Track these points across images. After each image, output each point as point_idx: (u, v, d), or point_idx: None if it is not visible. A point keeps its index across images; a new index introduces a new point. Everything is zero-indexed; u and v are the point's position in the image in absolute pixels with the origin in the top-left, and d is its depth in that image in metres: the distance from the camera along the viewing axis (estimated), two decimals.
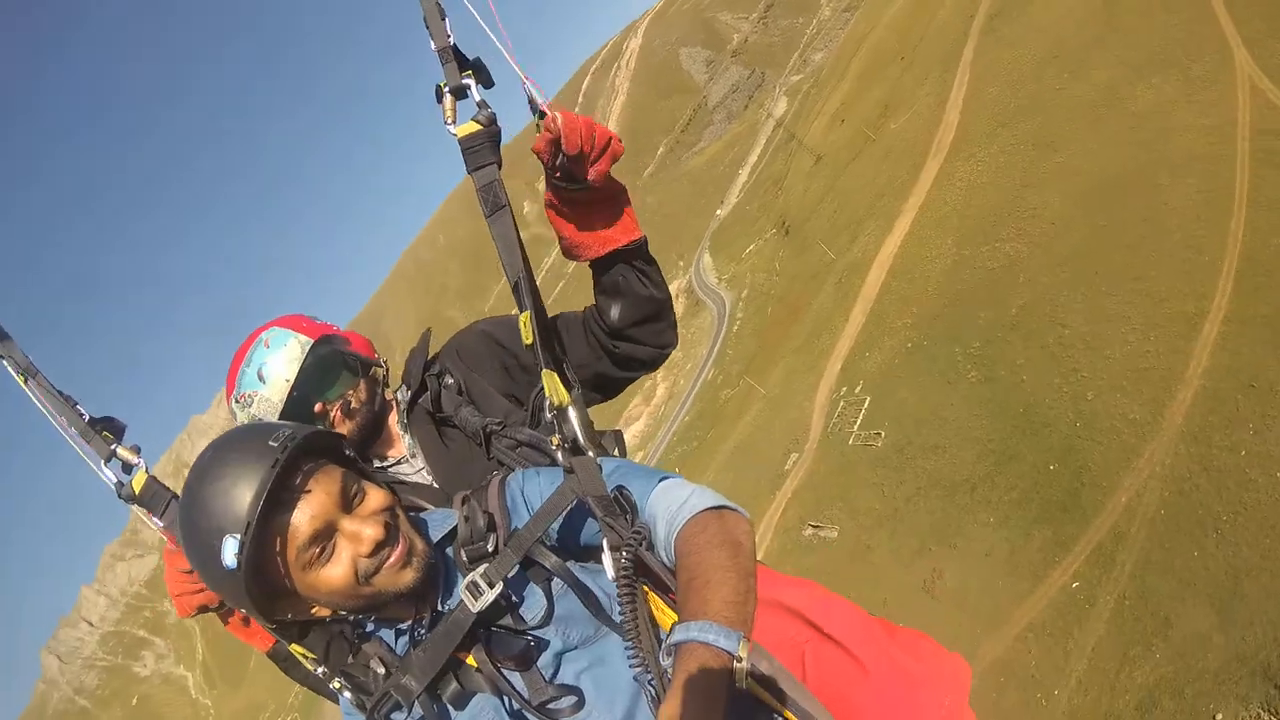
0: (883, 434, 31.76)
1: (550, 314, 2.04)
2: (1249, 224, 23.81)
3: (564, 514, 1.53)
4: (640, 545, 1.42)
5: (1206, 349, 21.93)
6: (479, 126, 1.81)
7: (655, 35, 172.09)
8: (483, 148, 1.81)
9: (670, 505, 1.48)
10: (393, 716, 1.50)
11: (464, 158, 1.82)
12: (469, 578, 1.45)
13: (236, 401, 2.12)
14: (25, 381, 1.86)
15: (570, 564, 1.51)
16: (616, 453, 2.03)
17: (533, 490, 1.60)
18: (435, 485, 2.11)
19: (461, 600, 1.45)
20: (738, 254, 72.58)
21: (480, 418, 2.08)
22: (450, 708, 1.49)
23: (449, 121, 1.80)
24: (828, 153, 63.21)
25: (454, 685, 1.48)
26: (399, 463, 2.18)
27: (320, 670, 1.57)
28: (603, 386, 2.22)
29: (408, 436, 2.19)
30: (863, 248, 45.79)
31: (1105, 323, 25.61)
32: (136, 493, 1.81)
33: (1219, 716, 13.27)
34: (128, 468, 1.82)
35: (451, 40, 1.83)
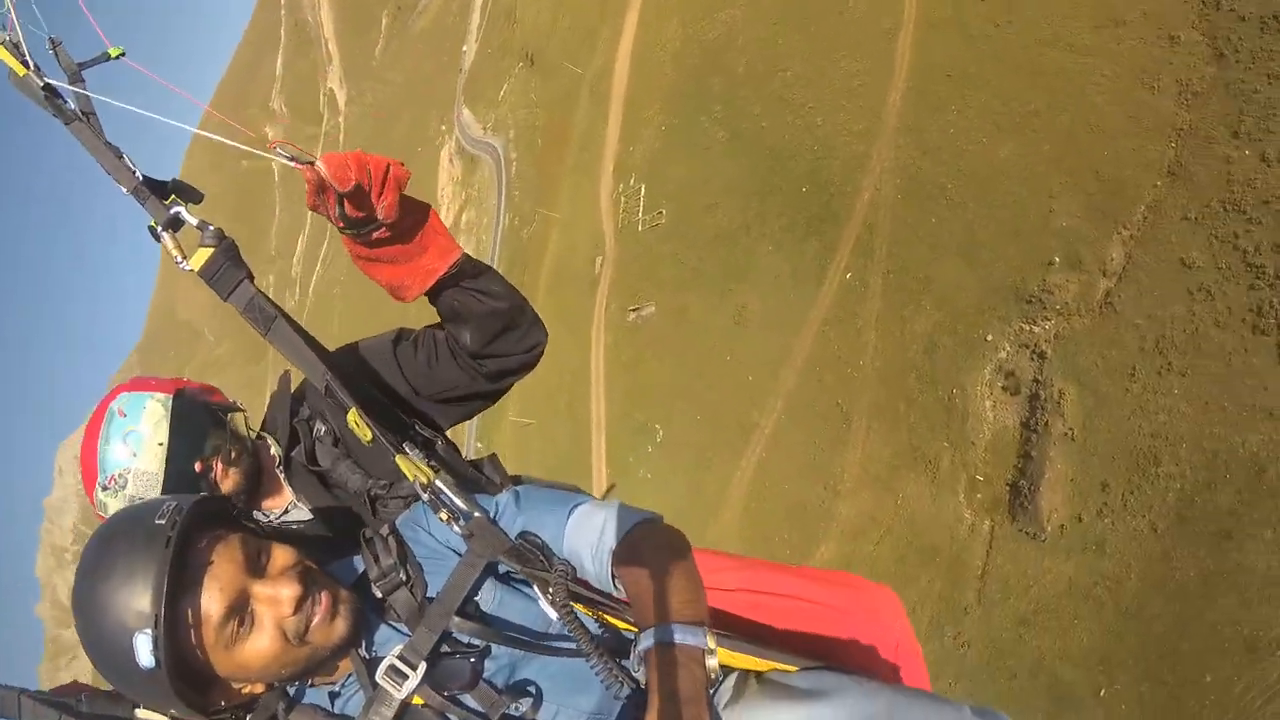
0: (664, 212, 30.49)
1: (408, 332, 1.63)
2: None
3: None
4: (569, 580, 1.21)
5: (905, 55, 21.23)
6: (211, 249, 1.35)
7: None
8: (225, 270, 1.36)
9: (591, 539, 1.26)
10: None
11: (212, 288, 1.36)
12: (386, 661, 1.18)
13: (105, 489, 1.50)
14: None
15: (502, 586, 1.28)
16: (499, 479, 1.62)
17: (436, 522, 1.31)
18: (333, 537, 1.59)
19: (381, 686, 1.16)
20: (493, 99, 64.53)
21: (362, 477, 1.56)
22: None
23: (180, 260, 1.34)
24: None
25: None
26: (287, 511, 1.65)
27: None
28: (487, 395, 1.66)
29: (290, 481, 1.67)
30: (603, 55, 41.57)
31: (818, 57, 24.43)
32: None
33: (989, 337, 13.58)
34: None
35: (139, 176, 1.33)
